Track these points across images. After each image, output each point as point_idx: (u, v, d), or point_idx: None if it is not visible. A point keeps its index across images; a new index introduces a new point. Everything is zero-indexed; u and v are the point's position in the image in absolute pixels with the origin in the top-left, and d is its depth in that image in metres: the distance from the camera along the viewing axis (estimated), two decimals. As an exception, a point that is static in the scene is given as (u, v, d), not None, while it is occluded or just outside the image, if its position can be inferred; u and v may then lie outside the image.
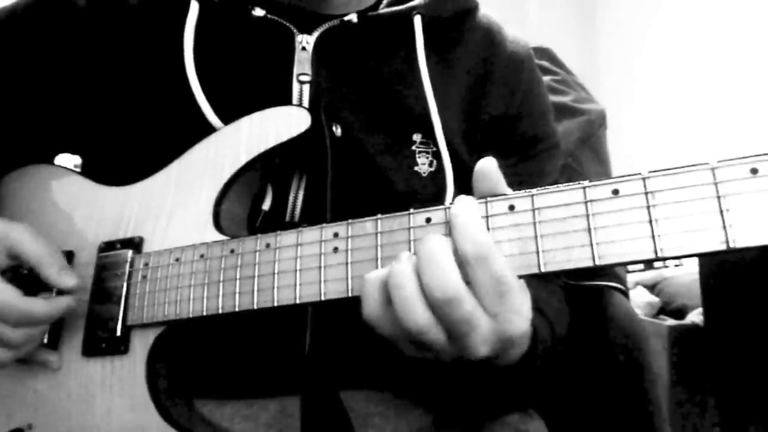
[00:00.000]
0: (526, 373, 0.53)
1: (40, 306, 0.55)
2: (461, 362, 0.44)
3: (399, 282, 0.41)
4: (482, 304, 0.40)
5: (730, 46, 3.00)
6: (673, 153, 3.01)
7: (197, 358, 0.61)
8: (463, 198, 0.43)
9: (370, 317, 0.43)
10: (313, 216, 0.60)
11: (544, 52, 1.34)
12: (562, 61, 1.37)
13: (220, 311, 0.52)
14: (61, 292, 0.59)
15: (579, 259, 0.40)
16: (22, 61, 0.68)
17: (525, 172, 0.69)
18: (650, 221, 0.38)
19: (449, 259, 0.40)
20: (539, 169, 0.71)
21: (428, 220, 0.45)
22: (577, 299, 1.02)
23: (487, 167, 0.44)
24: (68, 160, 0.73)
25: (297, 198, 0.62)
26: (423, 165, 0.65)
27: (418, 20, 0.66)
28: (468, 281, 0.40)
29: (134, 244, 0.59)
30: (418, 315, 0.40)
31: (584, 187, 0.40)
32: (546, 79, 1.29)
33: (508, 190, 0.44)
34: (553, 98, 1.24)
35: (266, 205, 0.61)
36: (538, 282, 0.41)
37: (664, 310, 2.28)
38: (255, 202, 0.61)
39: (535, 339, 0.44)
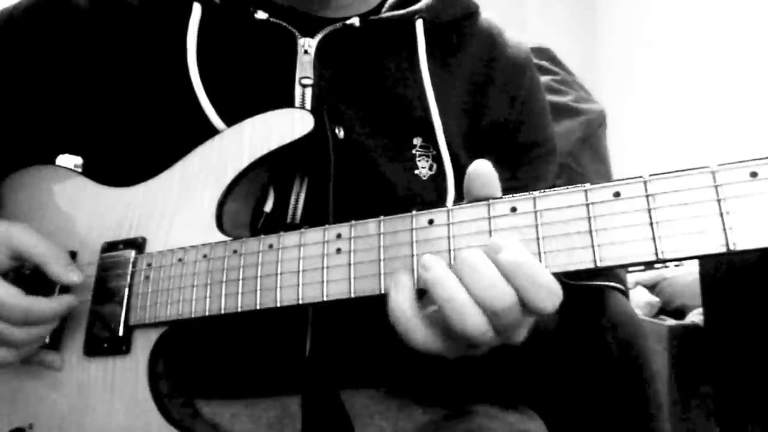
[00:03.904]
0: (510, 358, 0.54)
1: (42, 304, 0.55)
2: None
3: (449, 294, 0.41)
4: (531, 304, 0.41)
5: (730, 46, 3.00)
6: (673, 153, 3.01)
7: (199, 358, 0.61)
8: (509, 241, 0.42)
9: (426, 344, 0.43)
10: (314, 218, 0.60)
11: (544, 52, 1.34)
12: (562, 61, 1.37)
13: (223, 311, 0.52)
14: (63, 292, 0.59)
15: (581, 261, 0.40)
16: (22, 62, 0.68)
17: (523, 177, 0.70)
18: (651, 223, 0.38)
19: (494, 270, 0.40)
20: (536, 174, 0.71)
21: (431, 221, 0.45)
22: (577, 299, 1.03)
23: (484, 169, 0.44)
24: (69, 160, 0.73)
25: (298, 200, 0.62)
26: (423, 168, 0.65)
27: (419, 24, 0.67)
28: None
29: (137, 244, 0.59)
30: (474, 321, 0.41)
31: (586, 190, 0.41)
32: (546, 79, 1.29)
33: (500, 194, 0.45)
34: (553, 98, 1.24)
35: (268, 207, 0.61)
36: None
37: (664, 310, 2.28)
38: (257, 203, 0.61)
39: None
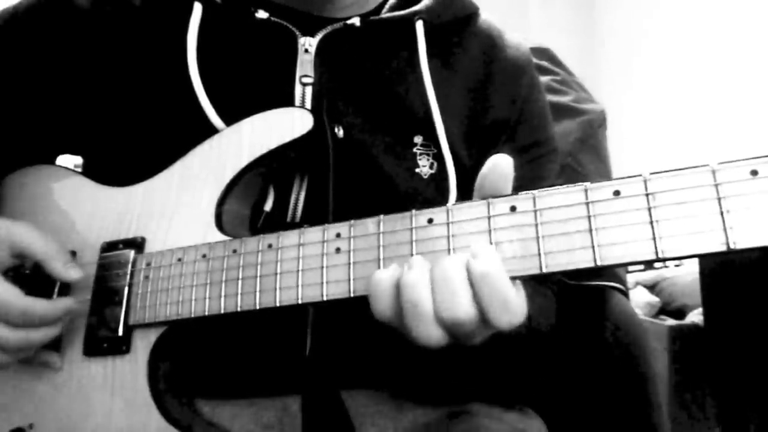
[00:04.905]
0: (488, 357, 0.55)
1: (41, 305, 0.55)
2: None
3: (414, 298, 0.42)
4: (487, 316, 0.41)
5: (730, 46, 3.00)
6: (673, 153, 3.01)
7: (199, 358, 0.61)
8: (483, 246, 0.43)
9: (383, 316, 0.44)
10: (314, 217, 0.60)
11: (543, 52, 1.34)
12: (562, 61, 1.37)
13: (222, 311, 0.52)
14: (62, 294, 0.59)
15: (580, 260, 0.40)
16: (23, 62, 0.68)
17: (523, 177, 0.69)
18: (651, 222, 0.38)
19: (462, 281, 0.41)
20: (538, 174, 0.71)
21: (430, 220, 0.45)
22: (577, 299, 1.03)
23: (504, 163, 0.45)
24: (69, 160, 0.73)
25: (298, 199, 0.62)
26: (424, 167, 0.65)
27: (420, 25, 0.67)
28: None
29: (136, 244, 0.59)
30: (430, 330, 0.42)
31: (586, 189, 0.41)
32: (546, 79, 1.29)
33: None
34: (553, 98, 1.24)
35: (268, 206, 0.61)
36: (526, 281, 0.42)
37: (664, 310, 2.28)
38: (257, 202, 0.61)
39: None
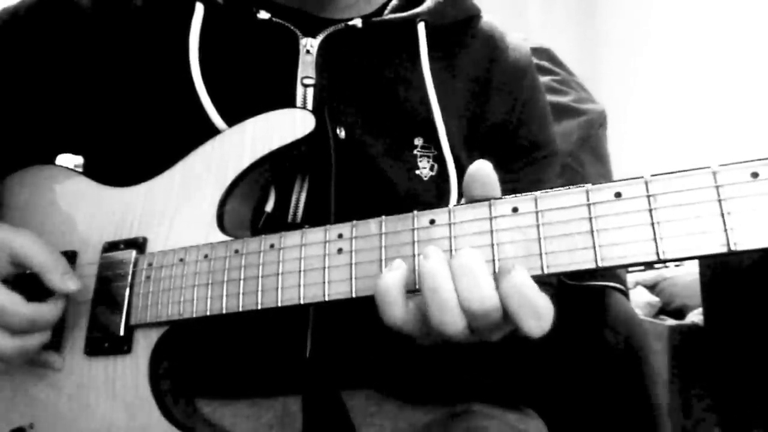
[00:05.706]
0: (488, 356, 0.56)
1: (44, 310, 0.55)
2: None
3: (436, 285, 0.42)
4: (520, 326, 0.41)
5: (730, 46, 3.00)
6: (674, 153, 3.01)
7: (200, 358, 0.61)
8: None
9: (395, 322, 0.44)
10: (315, 218, 0.61)
11: (544, 52, 1.34)
12: (563, 61, 1.37)
13: (224, 311, 0.52)
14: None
15: (582, 261, 0.40)
16: (24, 61, 0.68)
17: (523, 179, 0.70)
18: (652, 224, 0.38)
19: (484, 271, 0.41)
20: (538, 177, 0.71)
21: (432, 221, 0.45)
22: (578, 299, 1.03)
23: (485, 170, 0.44)
24: (69, 160, 0.73)
25: (299, 200, 0.62)
26: (424, 169, 0.65)
27: (421, 27, 0.67)
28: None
29: (138, 244, 0.59)
30: (452, 319, 0.41)
31: (587, 190, 0.41)
32: (546, 79, 1.29)
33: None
34: (553, 98, 1.24)
35: (269, 207, 0.61)
36: None
37: (664, 310, 2.29)
38: (258, 203, 0.62)
39: None
